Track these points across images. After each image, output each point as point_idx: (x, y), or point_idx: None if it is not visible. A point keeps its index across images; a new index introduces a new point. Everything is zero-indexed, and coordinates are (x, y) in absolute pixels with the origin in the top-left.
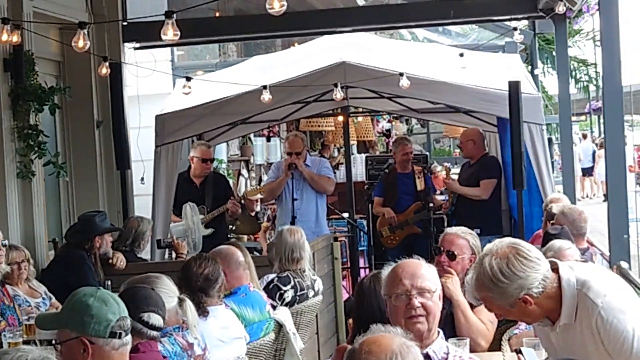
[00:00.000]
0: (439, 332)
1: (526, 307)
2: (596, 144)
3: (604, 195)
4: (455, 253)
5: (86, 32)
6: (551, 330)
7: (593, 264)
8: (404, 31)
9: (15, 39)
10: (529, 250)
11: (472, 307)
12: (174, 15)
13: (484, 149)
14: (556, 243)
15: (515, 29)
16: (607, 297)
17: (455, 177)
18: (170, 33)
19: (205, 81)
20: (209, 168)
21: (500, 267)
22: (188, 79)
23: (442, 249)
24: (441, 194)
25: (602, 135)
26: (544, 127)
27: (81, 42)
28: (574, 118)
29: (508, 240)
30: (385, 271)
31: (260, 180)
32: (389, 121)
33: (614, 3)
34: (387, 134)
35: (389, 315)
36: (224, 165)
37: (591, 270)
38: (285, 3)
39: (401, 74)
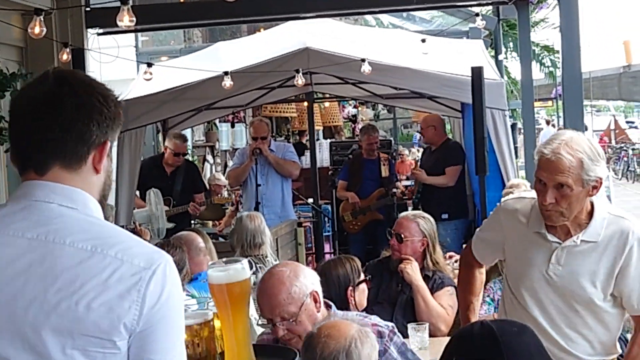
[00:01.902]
0: None
1: (587, 196)
2: (554, 127)
3: None
4: (403, 236)
5: (43, 19)
6: (559, 247)
7: None
8: (368, 17)
9: None
10: None
11: (432, 292)
12: (130, 1)
13: (445, 134)
14: None
15: (477, 14)
16: None
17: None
18: (126, 19)
19: (170, 67)
20: (180, 161)
21: (596, 145)
22: (149, 65)
23: (393, 232)
24: (407, 179)
25: (560, 122)
26: (507, 113)
27: (37, 28)
28: (540, 103)
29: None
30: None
31: (225, 165)
32: (355, 107)
33: None
34: (353, 119)
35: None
36: (189, 151)
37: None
38: None
39: (363, 60)
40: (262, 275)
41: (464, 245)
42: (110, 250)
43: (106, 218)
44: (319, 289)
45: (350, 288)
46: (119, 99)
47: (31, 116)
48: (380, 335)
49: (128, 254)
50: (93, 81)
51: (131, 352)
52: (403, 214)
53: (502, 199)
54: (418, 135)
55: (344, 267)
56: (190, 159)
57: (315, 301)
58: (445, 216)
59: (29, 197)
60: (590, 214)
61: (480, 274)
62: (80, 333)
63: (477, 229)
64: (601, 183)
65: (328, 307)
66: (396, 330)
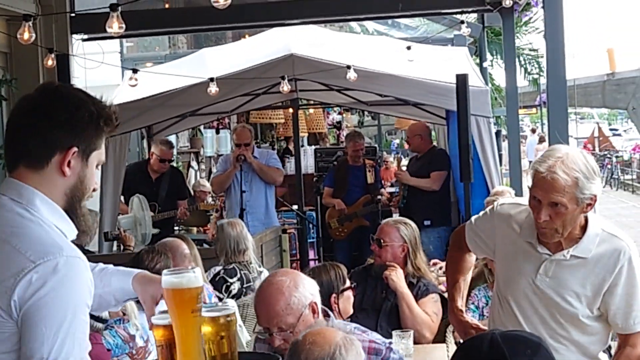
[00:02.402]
0: None
1: (581, 213)
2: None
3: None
4: (383, 241)
5: (31, 25)
6: (549, 257)
7: None
8: (353, 24)
9: None
10: None
11: (417, 299)
12: (119, 8)
13: (431, 142)
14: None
15: (462, 22)
16: (634, 248)
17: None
18: (115, 26)
19: (154, 73)
20: (166, 167)
21: (592, 161)
22: (135, 71)
23: (374, 238)
24: (392, 185)
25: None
26: (492, 120)
27: (26, 34)
28: (524, 110)
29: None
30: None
31: (210, 172)
32: (340, 113)
33: None
34: (338, 126)
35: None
36: (174, 158)
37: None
38: None
39: (348, 67)
40: (245, 284)
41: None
42: (15, 241)
43: (90, 224)
44: (318, 300)
45: (334, 295)
46: (99, 111)
47: (9, 121)
48: (376, 353)
49: (26, 247)
50: (73, 93)
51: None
52: (385, 220)
53: (497, 202)
54: (396, 143)
55: (328, 274)
56: (175, 165)
57: (314, 312)
58: (427, 222)
59: None
60: (584, 229)
61: (470, 257)
62: None
63: (473, 218)
64: (596, 200)
65: (326, 315)
66: (393, 347)
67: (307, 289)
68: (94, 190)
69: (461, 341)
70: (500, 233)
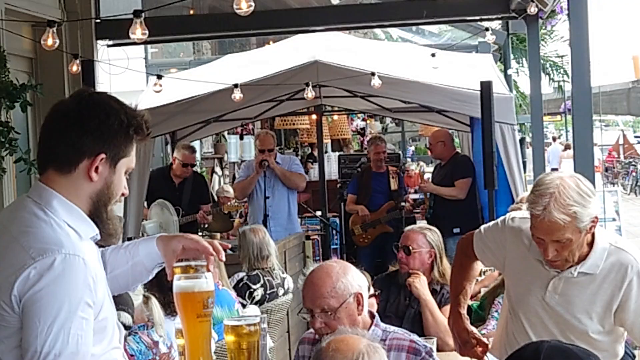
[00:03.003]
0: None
1: (587, 235)
2: (562, 144)
3: None
4: (411, 248)
5: (55, 31)
6: (557, 275)
7: None
8: (378, 30)
9: None
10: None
11: (440, 306)
12: (143, 14)
13: (454, 149)
14: None
15: (487, 29)
16: None
17: (428, 176)
18: (138, 32)
19: (179, 79)
20: (188, 172)
21: (583, 183)
22: (159, 77)
23: (399, 245)
24: (415, 192)
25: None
26: (516, 127)
27: (50, 40)
28: (549, 117)
29: (562, 172)
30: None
31: (234, 178)
32: (364, 120)
33: (584, 5)
34: (361, 132)
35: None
36: (197, 163)
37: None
38: (252, 4)
39: (373, 74)
40: (269, 290)
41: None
42: (23, 239)
43: (117, 228)
44: (365, 293)
45: None
46: (129, 120)
47: (43, 126)
48: (415, 353)
49: (30, 245)
50: (105, 100)
51: None
52: (409, 227)
53: (509, 215)
54: (411, 150)
55: None
56: (199, 170)
57: (359, 303)
58: (457, 230)
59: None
60: (591, 244)
61: (477, 264)
62: None
63: (482, 227)
64: (597, 219)
65: (372, 316)
66: (433, 353)
67: (355, 279)
68: (123, 195)
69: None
70: (510, 247)
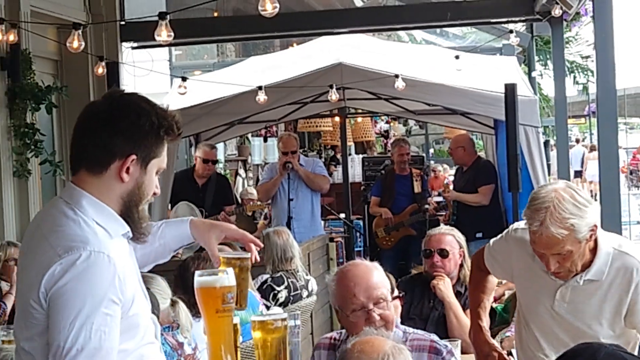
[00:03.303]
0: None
1: (588, 243)
2: (585, 147)
3: (594, 194)
4: (447, 250)
5: (81, 33)
6: (564, 284)
7: None
8: (401, 32)
9: (12, 37)
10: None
11: (464, 308)
12: (168, 16)
13: (475, 153)
14: None
15: (511, 31)
16: None
17: (451, 179)
18: (164, 34)
19: (203, 81)
20: (211, 169)
21: (578, 193)
22: (184, 79)
23: (432, 250)
24: (439, 194)
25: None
26: (540, 130)
27: (76, 42)
28: (573, 120)
29: (557, 182)
30: (333, 277)
31: (257, 180)
32: (387, 122)
33: (609, 7)
34: (385, 134)
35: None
36: (221, 165)
37: (626, 239)
38: (277, 5)
39: (397, 76)
40: (293, 292)
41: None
42: (52, 237)
43: (149, 227)
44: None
45: None
46: (160, 121)
47: (75, 126)
48: (436, 352)
49: (57, 242)
50: (136, 101)
51: None
52: (433, 231)
53: (512, 226)
54: (431, 152)
55: None
56: (222, 172)
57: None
58: (479, 235)
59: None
60: (594, 251)
61: (492, 277)
62: (23, 293)
63: (491, 241)
64: (597, 227)
65: None
66: (455, 353)
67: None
68: (154, 195)
69: (509, 351)
70: (516, 258)
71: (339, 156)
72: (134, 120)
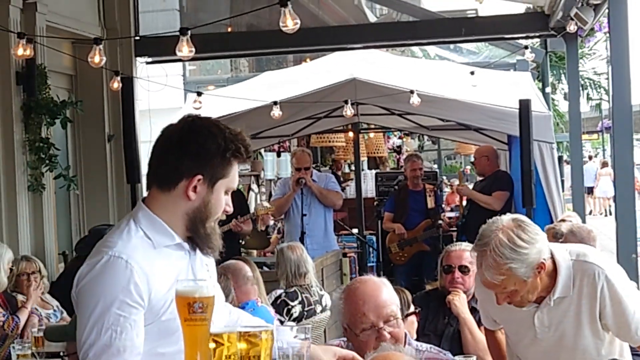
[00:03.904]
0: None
1: (537, 278)
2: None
3: (605, 210)
4: (468, 266)
5: (102, 48)
6: (537, 310)
7: None
8: (415, 48)
9: (28, 52)
10: (527, 219)
11: (479, 324)
12: (189, 32)
13: (497, 165)
14: None
15: (526, 47)
16: (608, 264)
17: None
18: (185, 50)
19: (217, 96)
20: None
21: (518, 235)
22: (199, 94)
23: (452, 266)
24: (451, 210)
25: (604, 156)
26: (554, 146)
27: (97, 57)
28: (586, 136)
29: (505, 217)
30: (340, 295)
31: (270, 195)
32: (400, 137)
33: (624, 22)
34: (397, 150)
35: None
36: None
37: (580, 245)
38: (298, 21)
39: (412, 92)
40: (307, 307)
41: None
42: (102, 245)
43: (217, 243)
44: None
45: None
46: (226, 144)
47: (152, 149)
48: None
49: (97, 248)
50: (206, 125)
51: None
52: (453, 247)
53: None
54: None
55: None
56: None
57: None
58: None
59: None
60: (555, 271)
61: (503, 335)
62: None
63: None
64: (544, 262)
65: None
66: None
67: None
68: (225, 212)
69: None
70: (490, 301)
71: (345, 171)
72: (202, 142)
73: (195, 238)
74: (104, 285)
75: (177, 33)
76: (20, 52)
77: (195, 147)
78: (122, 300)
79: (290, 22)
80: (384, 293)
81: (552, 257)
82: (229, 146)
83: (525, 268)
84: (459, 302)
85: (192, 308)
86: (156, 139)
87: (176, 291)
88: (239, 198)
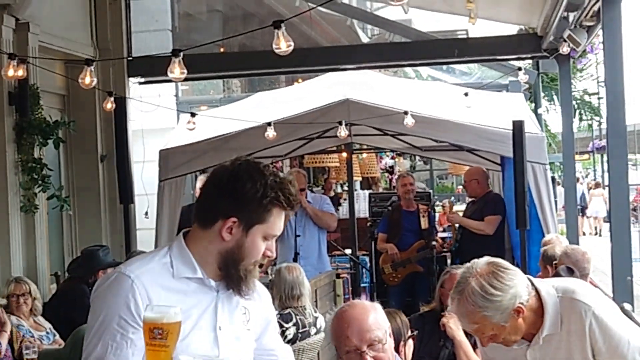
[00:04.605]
0: None
1: (517, 320)
2: (587, 185)
3: (595, 229)
4: None
5: (93, 69)
6: (529, 347)
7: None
8: (408, 69)
9: (20, 73)
10: (505, 263)
11: (475, 347)
12: (181, 53)
13: (488, 187)
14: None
15: (519, 68)
16: (595, 300)
17: (458, 209)
18: (177, 71)
19: (209, 117)
20: None
21: (490, 282)
22: (193, 114)
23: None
24: (444, 231)
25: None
26: (548, 167)
27: (88, 79)
28: (577, 157)
29: (482, 260)
30: (331, 318)
31: None
32: (392, 158)
33: (618, 43)
34: (390, 170)
35: None
36: None
37: (567, 280)
38: (292, 44)
39: (406, 113)
40: (301, 329)
41: None
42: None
43: (250, 287)
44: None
45: (402, 342)
46: (265, 190)
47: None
48: None
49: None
50: (249, 169)
51: None
52: (456, 270)
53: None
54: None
55: (394, 321)
56: None
57: (391, 337)
58: None
59: None
60: (541, 308)
61: None
62: None
63: None
64: (521, 306)
65: None
66: None
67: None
68: (267, 257)
69: None
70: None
71: (339, 191)
72: (241, 186)
73: (226, 278)
74: (107, 300)
75: (170, 54)
76: (10, 72)
77: (234, 190)
78: (121, 317)
79: (283, 45)
80: (371, 318)
81: (538, 294)
82: (268, 193)
83: (500, 314)
84: (454, 324)
85: (152, 334)
86: (207, 177)
87: (144, 316)
88: None
